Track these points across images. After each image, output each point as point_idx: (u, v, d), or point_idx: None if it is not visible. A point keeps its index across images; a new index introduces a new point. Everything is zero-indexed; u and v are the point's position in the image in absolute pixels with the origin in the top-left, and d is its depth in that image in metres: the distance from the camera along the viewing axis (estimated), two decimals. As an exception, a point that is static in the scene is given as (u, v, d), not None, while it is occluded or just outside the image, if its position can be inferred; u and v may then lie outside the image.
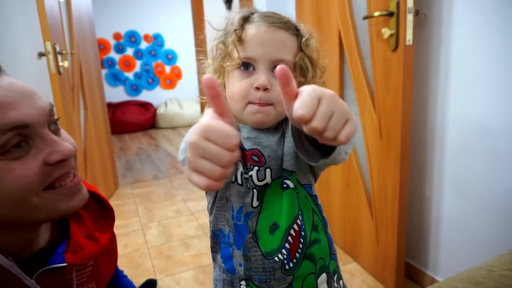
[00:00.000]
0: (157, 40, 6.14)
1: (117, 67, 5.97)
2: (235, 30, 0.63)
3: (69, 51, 2.04)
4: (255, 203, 0.66)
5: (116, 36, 5.89)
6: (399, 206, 1.33)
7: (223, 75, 0.68)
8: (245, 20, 0.65)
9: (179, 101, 5.97)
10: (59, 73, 1.88)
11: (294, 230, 0.67)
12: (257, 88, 0.61)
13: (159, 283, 1.58)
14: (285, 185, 0.67)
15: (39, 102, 0.52)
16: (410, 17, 1.16)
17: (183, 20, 5.58)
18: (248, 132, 0.67)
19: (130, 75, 6.09)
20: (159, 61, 6.22)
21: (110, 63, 5.92)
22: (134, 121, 5.62)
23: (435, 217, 1.35)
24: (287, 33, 0.63)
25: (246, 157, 0.66)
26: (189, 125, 5.75)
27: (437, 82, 1.25)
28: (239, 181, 0.67)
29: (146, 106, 5.94)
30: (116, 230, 2.46)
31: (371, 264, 1.55)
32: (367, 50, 1.39)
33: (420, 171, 1.38)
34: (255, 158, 0.66)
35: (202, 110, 3.19)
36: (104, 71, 5.87)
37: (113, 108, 5.62)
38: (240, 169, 0.67)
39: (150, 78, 6.21)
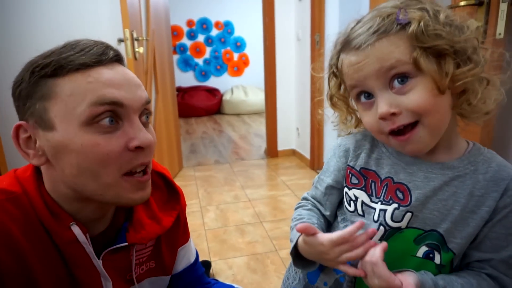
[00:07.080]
0: (227, 27, 6.26)
1: (189, 53, 6.22)
2: (334, 73, 0.60)
3: (144, 38, 2.16)
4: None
5: (189, 23, 6.11)
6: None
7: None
8: (340, 52, 0.57)
9: (244, 88, 6.04)
10: (135, 58, 2.01)
11: None
12: (383, 119, 0.52)
13: (212, 265, 1.63)
14: (428, 253, 0.56)
15: (139, 93, 0.56)
16: (504, 7, 1.02)
17: (253, 8, 5.59)
18: (406, 163, 0.58)
19: (200, 61, 6.31)
20: (228, 48, 6.35)
21: (182, 49, 6.18)
22: (201, 105, 5.84)
23: None
24: (386, 38, 0.50)
25: (389, 188, 0.58)
26: (253, 113, 5.81)
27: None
28: (359, 212, 0.60)
29: (213, 91, 6.12)
30: (177, 210, 2.47)
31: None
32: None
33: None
34: (399, 194, 0.57)
35: (267, 98, 3.12)
36: (176, 57, 6.16)
37: (183, 92, 5.89)
38: (362, 198, 0.60)
39: (219, 65, 6.38)
